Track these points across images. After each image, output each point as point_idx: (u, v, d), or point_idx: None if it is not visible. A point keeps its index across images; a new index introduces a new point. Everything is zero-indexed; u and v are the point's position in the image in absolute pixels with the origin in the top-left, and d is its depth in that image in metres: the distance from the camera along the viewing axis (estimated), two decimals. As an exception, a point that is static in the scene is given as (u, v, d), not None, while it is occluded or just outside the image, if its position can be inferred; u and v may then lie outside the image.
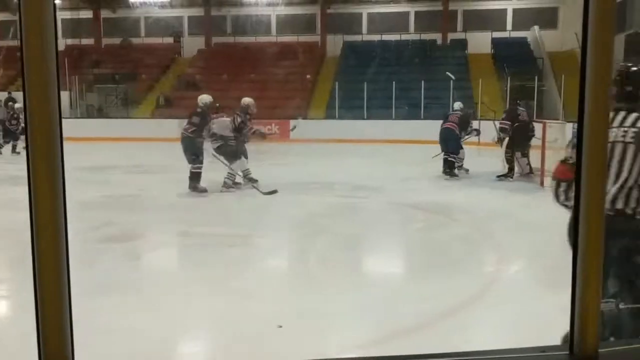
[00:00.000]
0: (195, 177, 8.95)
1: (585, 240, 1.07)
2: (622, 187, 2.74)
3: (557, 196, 2.98)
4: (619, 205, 2.73)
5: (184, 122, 9.42)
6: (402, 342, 3.62)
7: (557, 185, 2.99)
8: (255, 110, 9.92)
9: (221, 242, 6.26)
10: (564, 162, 2.99)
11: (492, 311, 4.27)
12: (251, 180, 9.34)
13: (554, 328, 1.82)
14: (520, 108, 10.69)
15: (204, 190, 8.97)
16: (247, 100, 9.81)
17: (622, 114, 2.85)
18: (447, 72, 14.54)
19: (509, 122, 10.35)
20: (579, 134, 1.07)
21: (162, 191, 9.31)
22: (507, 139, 10.50)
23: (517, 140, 10.39)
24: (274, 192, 9.02)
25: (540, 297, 4.44)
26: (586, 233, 1.07)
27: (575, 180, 1.08)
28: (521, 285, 4.98)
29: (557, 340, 1.17)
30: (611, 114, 2.80)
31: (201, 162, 8.99)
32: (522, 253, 6.03)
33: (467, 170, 11.09)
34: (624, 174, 2.73)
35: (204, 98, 9.59)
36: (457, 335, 3.82)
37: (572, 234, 1.10)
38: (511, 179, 10.34)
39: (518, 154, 10.55)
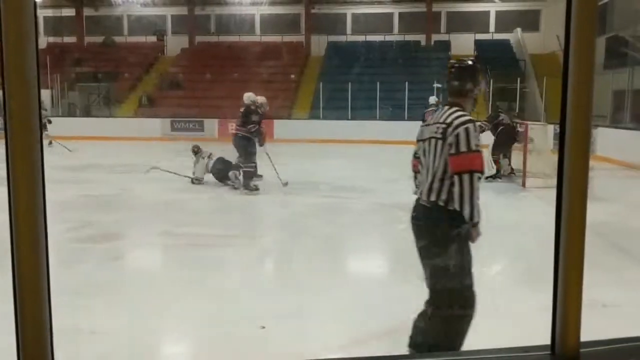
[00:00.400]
0: (247, 175, 9.09)
1: (567, 241, 1.08)
2: (433, 180, 2.90)
3: (415, 187, 3.17)
4: (433, 197, 2.90)
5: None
6: (385, 342, 3.63)
7: (414, 178, 3.18)
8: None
9: (203, 242, 6.22)
10: (414, 156, 3.17)
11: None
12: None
13: (535, 328, 1.84)
14: (502, 115, 10.90)
15: (256, 189, 9.02)
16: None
17: (444, 109, 3.02)
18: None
19: (487, 123, 10.60)
20: (561, 135, 1.07)
21: (143, 191, 9.24)
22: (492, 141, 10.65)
23: (501, 141, 10.51)
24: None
25: (521, 297, 4.47)
26: (568, 234, 1.08)
27: (557, 182, 1.09)
28: (502, 285, 5.01)
29: (538, 341, 1.18)
30: (439, 111, 3.07)
31: (253, 161, 9.17)
32: (504, 254, 6.07)
33: None
34: (435, 168, 2.90)
35: (250, 96, 9.80)
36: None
37: (555, 235, 1.10)
38: (500, 180, 10.45)
39: (500, 155, 10.70)
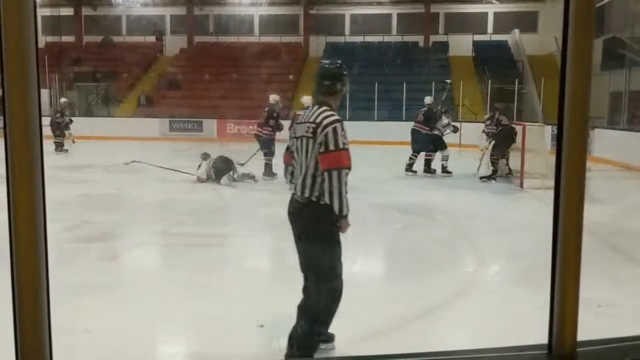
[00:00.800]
0: (266, 167, 10.42)
1: (564, 242, 1.09)
2: (306, 176, 3.08)
3: (286, 177, 3.36)
4: (307, 193, 3.07)
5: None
6: (380, 342, 3.63)
7: (285, 169, 3.36)
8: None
9: (200, 241, 6.22)
10: (287, 149, 3.34)
11: (471, 311, 4.30)
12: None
13: (532, 328, 1.84)
14: (501, 116, 10.96)
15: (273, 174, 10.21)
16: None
17: (314, 107, 3.18)
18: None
19: (495, 127, 10.69)
20: (558, 136, 1.08)
21: (140, 191, 9.23)
22: (492, 142, 10.71)
23: (499, 143, 10.55)
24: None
25: (519, 297, 4.48)
26: (565, 235, 1.08)
27: (555, 182, 1.09)
28: (499, 286, 5.02)
29: (535, 340, 1.18)
30: (309, 110, 3.22)
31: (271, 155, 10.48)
32: (501, 254, 6.08)
33: (449, 173, 11.16)
34: (307, 165, 3.07)
35: (275, 98, 11.15)
36: (435, 335, 3.84)
37: (552, 236, 1.11)
38: (495, 181, 10.46)
39: (498, 156, 10.72)
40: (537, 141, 10.09)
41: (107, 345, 3.57)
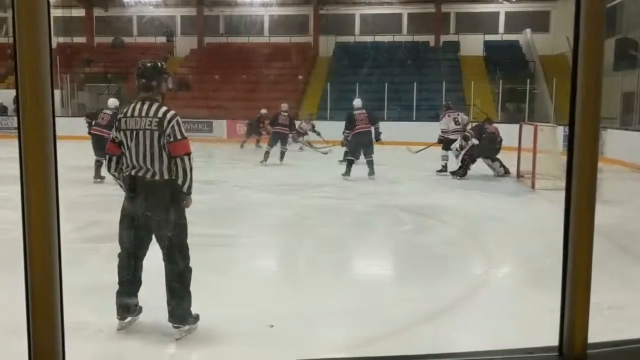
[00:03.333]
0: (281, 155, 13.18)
1: (575, 243, 1.08)
2: (153, 162, 3.49)
3: (110, 166, 3.69)
4: (157, 176, 3.51)
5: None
6: (389, 343, 3.62)
7: (109, 159, 3.66)
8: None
9: (208, 242, 6.21)
10: (112, 141, 3.64)
11: (480, 313, 4.29)
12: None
13: (542, 330, 1.83)
14: (487, 126, 11.27)
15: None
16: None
17: (146, 103, 3.55)
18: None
19: (472, 132, 11.07)
20: (570, 137, 1.08)
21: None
22: (469, 146, 10.96)
23: (484, 146, 10.85)
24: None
25: (529, 299, 4.45)
26: (576, 236, 1.08)
27: (566, 183, 1.09)
28: (510, 287, 5.00)
29: (546, 342, 1.18)
30: (134, 104, 3.59)
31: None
32: (512, 256, 6.06)
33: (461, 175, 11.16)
34: (153, 153, 3.48)
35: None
36: (444, 337, 3.83)
37: (563, 237, 1.11)
38: (459, 178, 10.78)
39: (488, 161, 11.15)
40: (549, 142, 10.03)
41: (117, 345, 3.60)
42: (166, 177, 3.51)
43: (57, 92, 22.29)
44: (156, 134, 3.48)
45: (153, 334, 3.67)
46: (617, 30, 18.18)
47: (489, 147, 10.92)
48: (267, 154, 13.08)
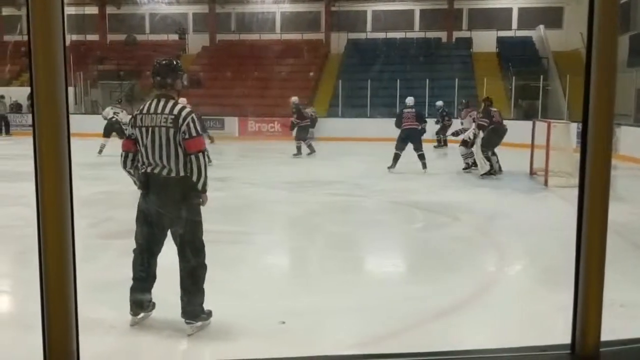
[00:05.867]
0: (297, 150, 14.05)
1: (588, 241, 1.07)
2: (169, 159, 3.50)
3: (126, 163, 3.69)
4: (173, 173, 3.52)
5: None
6: (400, 340, 3.62)
7: (126, 156, 3.66)
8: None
9: (218, 239, 6.21)
10: (128, 138, 3.68)
11: (492, 311, 4.27)
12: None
13: (555, 328, 1.83)
14: (493, 109, 10.98)
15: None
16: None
17: (162, 101, 3.57)
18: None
19: (487, 120, 10.69)
20: (583, 134, 1.07)
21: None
22: (480, 138, 10.76)
23: (490, 139, 10.64)
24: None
25: (541, 297, 4.43)
26: (589, 234, 1.07)
27: (579, 180, 1.08)
28: (522, 285, 4.97)
29: (558, 340, 1.17)
30: (150, 102, 3.61)
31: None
32: (524, 253, 6.02)
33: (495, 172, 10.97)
34: (169, 150, 3.49)
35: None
36: (456, 334, 3.82)
37: (576, 235, 1.10)
38: (494, 176, 10.54)
39: (488, 153, 10.81)
40: (562, 139, 9.95)
41: (130, 341, 3.62)
42: (182, 173, 3.52)
43: (70, 90, 22.46)
44: (171, 131, 3.50)
45: (166, 330, 3.70)
46: (631, 27, 17.98)
47: (494, 138, 10.70)
48: (300, 148, 14.16)
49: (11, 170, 10.72)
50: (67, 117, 0.89)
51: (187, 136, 3.50)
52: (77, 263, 0.96)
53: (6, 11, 27.05)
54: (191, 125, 3.52)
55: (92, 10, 27.76)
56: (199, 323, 3.63)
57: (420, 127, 11.54)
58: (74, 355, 0.94)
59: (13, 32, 25.50)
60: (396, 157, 11.34)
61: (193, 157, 3.51)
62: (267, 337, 3.64)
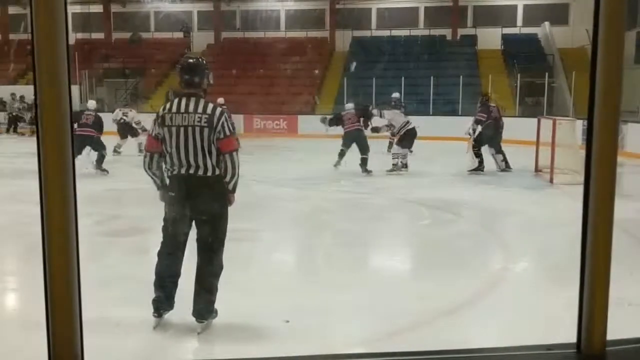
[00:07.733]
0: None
1: (594, 239, 1.07)
2: (204, 158, 3.46)
3: (152, 164, 3.60)
4: (209, 172, 3.48)
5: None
6: (406, 338, 3.62)
7: (151, 157, 3.60)
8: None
9: (228, 236, 6.25)
10: (154, 137, 3.58)
11: (498, 308, 4.26)
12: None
13: (560, 326, 1.82)
14: (492, 105, 10.96)
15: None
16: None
17: (192, 99, 3.52)
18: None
19: (485, 115, 10.66)
20: (588, 131, 1.06)
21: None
22: (477, 133, 10.71)
23: (487, 135, 10.61)
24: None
25: (547, 295, 4.42)
26: (595, 231, 1.07)
27: (585, 177, 1.08)
28: (528, 282, 4.96)
29: (564, 339, 1.16)
30: (178, 100, 3.56)
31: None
32: (530, 250, 6.01)
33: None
34: (202, 149, 3.43)
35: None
36: (462, 332, 3.81)
37: (582, 232, 1.09)
38: (482, 173, 10.51)
39: (493, 151, 10.81)
40: (567, 136, 9.92)
41: (136, 339, 3.63)
42: (217, 172, 3.50)
43: (75, 88, 22.50)
44: (206, 130, 3.44)
45: (171, 329, 3.70)
46: (638, 23, 17.88)
47: (493, 135, 10.68)
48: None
49: (19, 168, 10.76)
50: (71, 115, 0.89)
51: (222, 135, 3.47)
52: (83, 261, 0.96)
53: (12, 10, 27.10)
54: (225, 124, 3.50)
55: (97, 8, 27.80)
56: (209, 321, 3.64)
57: (363, 127, 11.10)
58: (78, 354, 0.94)
59: (19, 31, 25.59)
60: (341, 154, 11.11)
61: (227, 156, 3.50)
62: (275, 334, 3.65)
